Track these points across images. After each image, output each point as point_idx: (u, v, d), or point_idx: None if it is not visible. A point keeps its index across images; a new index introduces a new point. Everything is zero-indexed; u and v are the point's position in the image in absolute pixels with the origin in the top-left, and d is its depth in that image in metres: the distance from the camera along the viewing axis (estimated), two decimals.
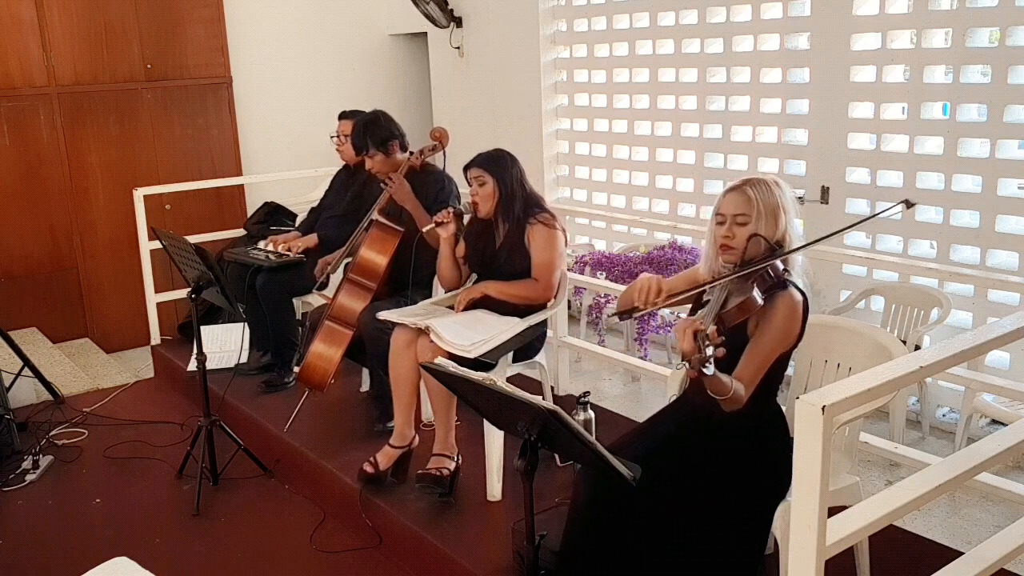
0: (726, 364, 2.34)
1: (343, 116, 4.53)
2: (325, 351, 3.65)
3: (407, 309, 3.45)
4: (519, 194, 3.36)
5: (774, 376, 2.43)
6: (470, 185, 3.40)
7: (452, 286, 3.59)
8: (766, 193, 2.40)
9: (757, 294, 2.28)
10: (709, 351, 2.11)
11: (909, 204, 2.54)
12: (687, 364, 2.14)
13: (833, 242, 4.74)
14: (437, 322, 3.17)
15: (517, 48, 6.51)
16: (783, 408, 2.53)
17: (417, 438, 3.39)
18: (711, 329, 2.12)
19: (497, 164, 3.37)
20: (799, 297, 2.36)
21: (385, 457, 3.31)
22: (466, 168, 3.40)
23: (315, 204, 4.79)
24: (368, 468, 3.28)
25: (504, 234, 3.40)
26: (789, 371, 2.58)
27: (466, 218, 3.54)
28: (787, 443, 2.41)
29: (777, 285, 2.33)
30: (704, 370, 2.12)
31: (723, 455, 2.39)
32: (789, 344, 2.39)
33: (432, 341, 3.11)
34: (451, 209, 3.44)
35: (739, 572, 2.38)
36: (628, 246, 5.81)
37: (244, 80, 6.62)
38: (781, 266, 2.35)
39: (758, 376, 2.35)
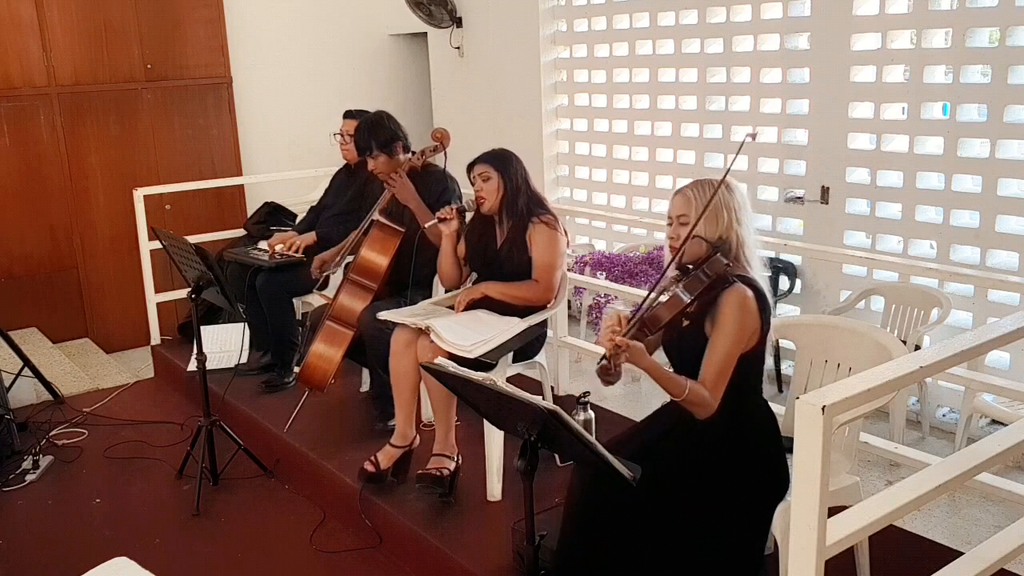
0: (692, 368, 2.37)
1: (348, 115, 4.52)
2: (326, 351, 3.65)
3: (407, 309, 3.45)
4: (523, 191, 3.37)
5: (750, 374, 2.42)
6: (473, 183, 3.39)
7: (452, 284, 3.58)
8: (706, 193, 2.41)
9: (681, 291, 2.31)
10: (605, 360, 2.24)
11: (753, 136, 2.63)
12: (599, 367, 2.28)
13: (833, 242, 4.80)
14: (437, 322, 3.17)
15: (517, 48, 6.51)
16: (771, 406, 2.53)
17: (418, 438, 3.39)
18: (622, 337, 2.23)
19: (502, 161, 3.38)
20: (748, 292, 2.35)
21: (386, 456, 3.31)
22: (471, 165, 3.40)
23: (314, 204, 4.79)
24: (369, 467, 3.28)
25: (506, 232, 3.40)
26: (789, 371, 2.58)
27: (467, 216, 3.54)
28: (780, 442, 2.41)
29: (718, 283, 2.33)
30: (605, 376, 2.27)
31: (716, 454, 2.38)
32: (748, 340, 2.36)
33: (432, 341, 3.11)
34: (454, 205, 3.44)
35: (739, 572, 2.38)
36: (628, 246, 5.81)
37: (244, 80, 6.62)
38: (724, 262, 2.34)
39: (723, 377, 2.34)
